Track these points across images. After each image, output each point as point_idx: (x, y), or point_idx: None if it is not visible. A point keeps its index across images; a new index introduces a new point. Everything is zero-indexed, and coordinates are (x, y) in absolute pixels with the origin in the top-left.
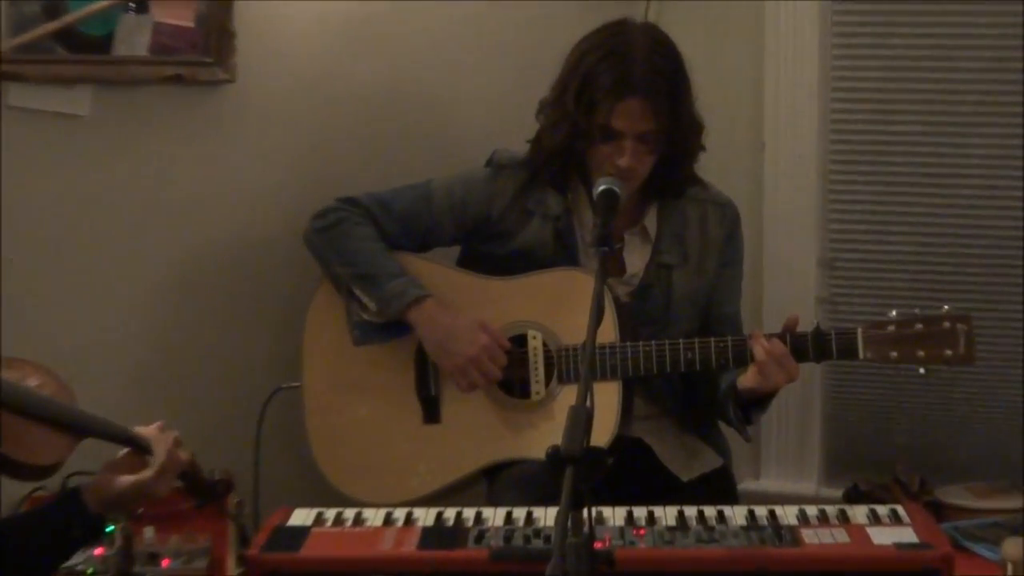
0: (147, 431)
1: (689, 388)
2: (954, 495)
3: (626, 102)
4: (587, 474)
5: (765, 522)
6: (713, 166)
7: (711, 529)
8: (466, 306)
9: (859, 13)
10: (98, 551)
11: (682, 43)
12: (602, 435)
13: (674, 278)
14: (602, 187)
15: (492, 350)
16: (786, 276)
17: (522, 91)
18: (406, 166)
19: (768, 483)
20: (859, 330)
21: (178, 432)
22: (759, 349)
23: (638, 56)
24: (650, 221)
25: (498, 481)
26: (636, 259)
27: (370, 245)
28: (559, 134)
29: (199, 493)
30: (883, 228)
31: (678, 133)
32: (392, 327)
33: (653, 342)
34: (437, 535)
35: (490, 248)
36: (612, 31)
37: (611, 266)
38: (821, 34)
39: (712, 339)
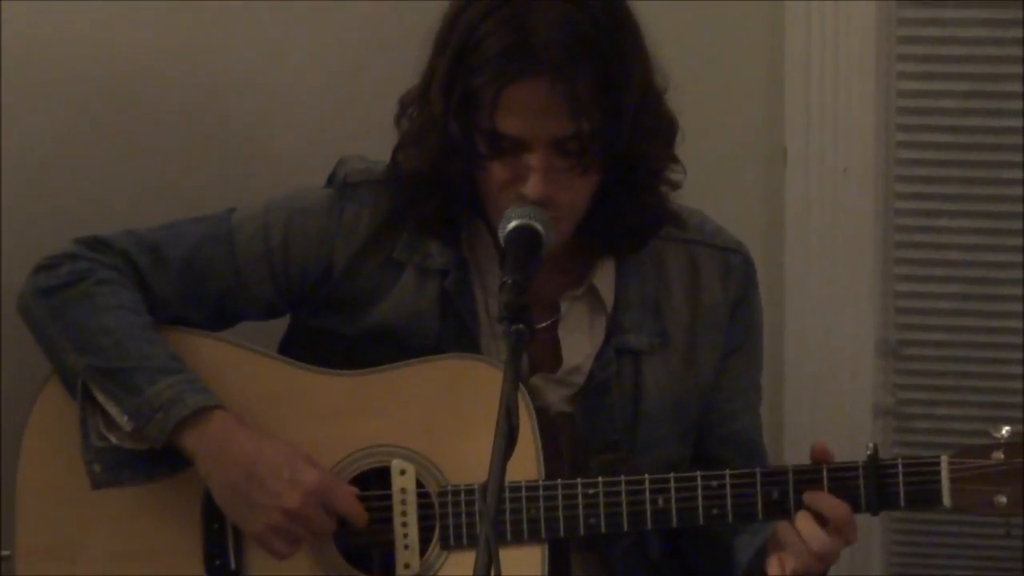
0: None
1: (672, 562)
2: None
3: (520, 86)
4: None
5: None
6: (701, 186)
7: None
8: (287, 421)
9: None
10: None
11: None
12: None
13: (646, 373)
14: (514, 223)
15: (328, 494)
16: (822, 369)
17: (383, 69)
18: (194, 186)
19: None
20: (944, 460)
21: None
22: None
23: (543, 9)
24: (604, 278)
25: None
26: (580, 342)
27: (125, 319)
28: (425, 152)
29: None
30: (986, 291)
31: (623, 135)
32: (158, 458)
33: (600, 480)
34: None
35: (332, 322)
36: None
37: (537, 354)
38: None
39: (713, 474)
